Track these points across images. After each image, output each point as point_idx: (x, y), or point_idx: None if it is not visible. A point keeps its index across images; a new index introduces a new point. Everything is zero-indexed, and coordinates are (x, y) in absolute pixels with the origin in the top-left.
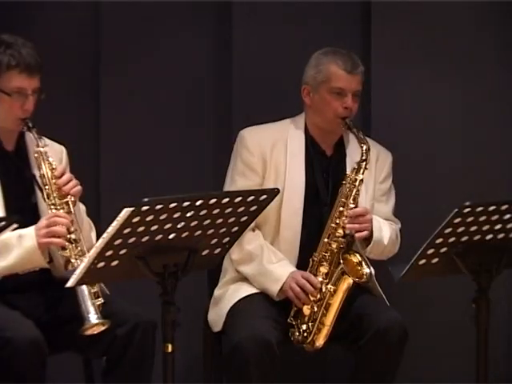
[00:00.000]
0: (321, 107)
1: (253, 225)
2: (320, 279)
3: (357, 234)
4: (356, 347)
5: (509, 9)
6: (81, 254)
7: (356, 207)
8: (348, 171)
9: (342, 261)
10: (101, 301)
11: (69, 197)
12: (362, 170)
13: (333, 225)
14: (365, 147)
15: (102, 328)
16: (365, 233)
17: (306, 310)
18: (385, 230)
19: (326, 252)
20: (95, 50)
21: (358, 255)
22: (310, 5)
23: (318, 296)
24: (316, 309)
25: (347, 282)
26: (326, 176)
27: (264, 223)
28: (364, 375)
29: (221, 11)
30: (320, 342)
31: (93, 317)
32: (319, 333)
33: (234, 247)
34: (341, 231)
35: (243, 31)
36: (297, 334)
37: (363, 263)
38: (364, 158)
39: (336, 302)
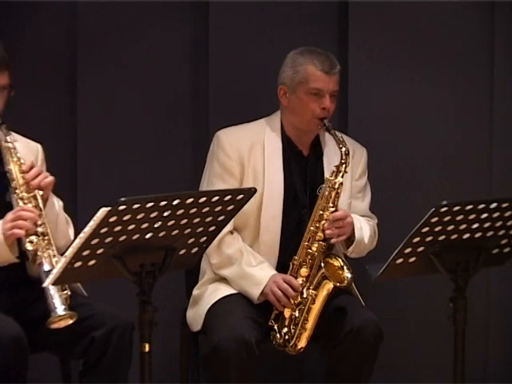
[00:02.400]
0: (298, 108)
1: (231, 228)
2: (301, 282)
3: (334, 240)
4: (330, 347)
5: (486, 7)
6: (48, 248)
7: (336, 210)
8: (326, 171)
9: (323, 265)
10: (68, 293)
11: (37, 191)
12: (341, 173)
13: (312, 228)
14: (344, 150)
15: (70, 321)
16: (343, 237)
17: (287, 313)
18: (365, 229)
19: (306, 255)
20: (72, 46)
21: (339, 259)
22: (286, 5)
23: (299, 299)
24: (297, 313)
25: (328, 286)
26: (303, 177)
27: (243, 227)
28: (338, 375)
29: (198, 11)
30: (302, 344)
31: (60, 308)
32: (301, 336)
33: (212, 251)
34: (321, 234)
35: (220, 30)
36: (278, 337)
37: (344, 267)
38: (343, 161)
39: (317, 307)
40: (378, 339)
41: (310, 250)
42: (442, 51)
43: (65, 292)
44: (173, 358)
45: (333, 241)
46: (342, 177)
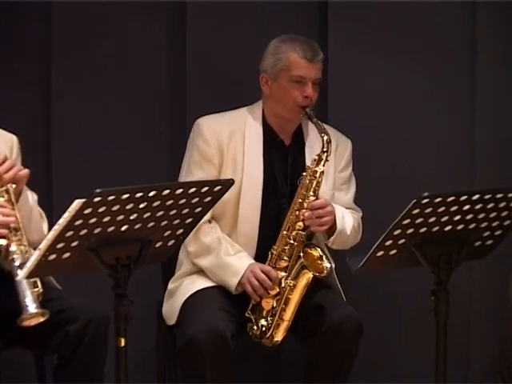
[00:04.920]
0: (280, 96)
1: (209, 217)
2: (279, 273)
3: (314, 229)
4: (310, 342)
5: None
6: (20, 243)
7: (316, 199)
8: (308, 161)
9: (302, 254)
10: (40, 290)
11: (9, 184)
12: (322, 162)
13: (292, 217)
14: (326, 138)
15: (42, 319)
16: (324, 227)
17: (265, 304)
18: (347, 220)
19: (285, 245)
20: (46, 38)
21: (318, 249)
22: None
23: (278, 290)
24: (275, 304)
25: (307, 276)
26: (284, 167)
27: (221, 216)
28: (317, 371)
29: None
30: (279, 336)
31: (31, 306)
32: (278, 328)
33: (190, 240)
34: (300, 224)
35: (198, 18)
36: (255, 328)
37: (324, 257)
38: (325, 149)
39: (295, 297)
40: (358, 334)
41: (289, 240)
42: (426, 40)
43: (36, 289)
44: (149, 352)
45: (313, 229)
46: (324, 165)
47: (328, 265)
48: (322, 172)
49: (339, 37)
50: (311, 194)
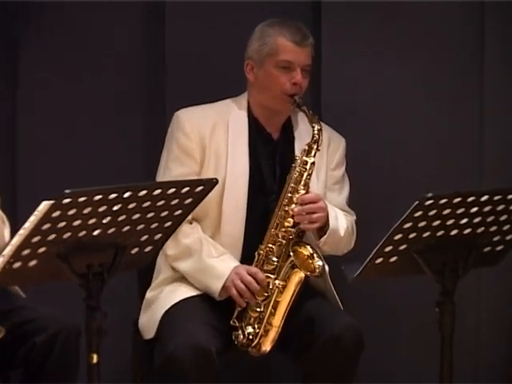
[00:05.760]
0: (266, 83)
1: (190, 217)
2: (267, 275)
3: (304, 226)
4: (305, 357)
5: None
6: None
7: (307, 193)
8: (297, 154)
9: (292, 253)
10: None
11: None
12: (313, 152)
13: (281, 213)
14: (316, 127)
15: None
16: (315, 224)
17: (252, 310)
18: (341, 220)
19: (273, 244)
20: (14, 38)
21: (308, 247)
22: None
23: (266, 294)
24: (263, 308)
25: (298, 276)
26: (272, 162)
27: (203, 216)
28: None
29: None
30: (267, 346)
31: None
32: (266, 335)
33: (169, 242)
34: (290, 220)
35: (178, 9)
36: (241, 337)
37: (315, 255)
38: (316, 138)
39: (285, 300)
40: (359, 348)
41: (277, 238)
42: (425, 40)
43: None
44: (124, 369)
45: (302, 226)
46: (314, 156)
47: (320, 263)
48: (313, 163)
49: (334, 37)
50: (301, 187)
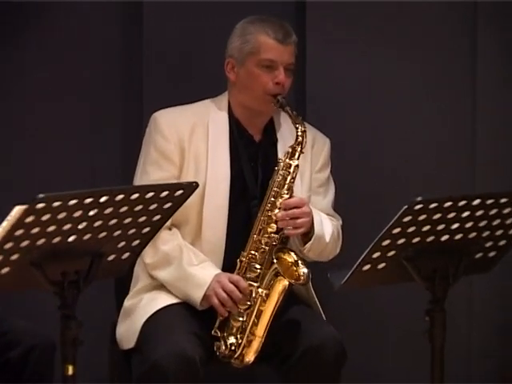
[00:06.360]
0: (248, 83)
1: (169, 223)
2: (250, 283)
3: (288, 232)
4: (286, 367)
5: None
6: None
7: (290, 197)
8: (280, 156)
9: (275, 260)
10: None
11: None
12: (297, 155)
13: (263, 218)
14: (300, 128)
15: None
16: (300, 230)
17: (234, 320)
18: (326, 225)
19: (256, 251)
20: None
21: (292, 253)
22: None
23: (248, 303)
24: (245, 317)
25: (282, 284)
26: (254, 165)
27: (183, 222)
28: None
29: None
30: (250, 357)
31: None
32: (249, 346)
33: (147, 250)
34: (273, 226)
35: (156, 8)
36: (223, 348)
37: (299, 262)
38: (300, 140)
39: (269, 309)
40: (341, 359)
41: (260, 245)
42: (425, 40)
43: None
44: (101, 381)
45: (286, 232)
46: (298, 158)
47: (305, 270)
48: (297, 166)
49: (319, 35)
50: (285, 191)
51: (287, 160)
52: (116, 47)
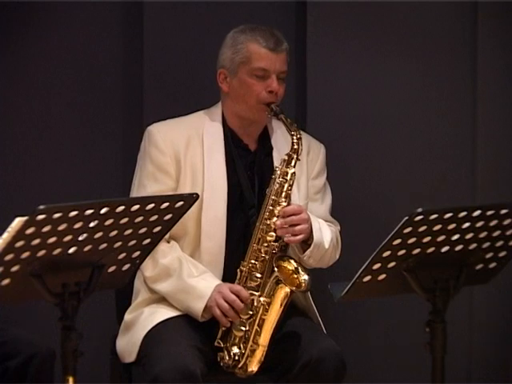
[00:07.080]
0: (241, 93)
1: (167, 236)
2: (251, 292)
3: (287, 239)
4: (285, 380)
5: None
6: None
7: (288, 205)
8: (276, 164)
9: (275, 268)
10: None
11: None
12: (293, 162)
13: (262, 227)
14: (296, 136)
15: None
16: (299, 237)
17: (237, 330)
18: (325, 231)
19: (256, 260)
20: None
21: (292, 261)
22: None
23: (250, 312)
24: (248, 327)
25: (283, 291)
26: (250, 174)
27: (182, 234)
28: None
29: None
30: (254, 366)
31: None
32: (253, 355)
33: (146, 263)
34: (272, 234)
35: (156, 19)
36: (227, 358)
37: (300, 270)
38: (295, 147)
39: (271, 318)
40: (340, 373)
41: (260, 254)
42: (424, 40)
43: None
44: None
45: (286, 239)
46: (295, 166)
47: (306, 277)
48: (294, 173)
49: (318, 35)
50: (282, 199)
51: (284, 168)
52: (117, 59)
